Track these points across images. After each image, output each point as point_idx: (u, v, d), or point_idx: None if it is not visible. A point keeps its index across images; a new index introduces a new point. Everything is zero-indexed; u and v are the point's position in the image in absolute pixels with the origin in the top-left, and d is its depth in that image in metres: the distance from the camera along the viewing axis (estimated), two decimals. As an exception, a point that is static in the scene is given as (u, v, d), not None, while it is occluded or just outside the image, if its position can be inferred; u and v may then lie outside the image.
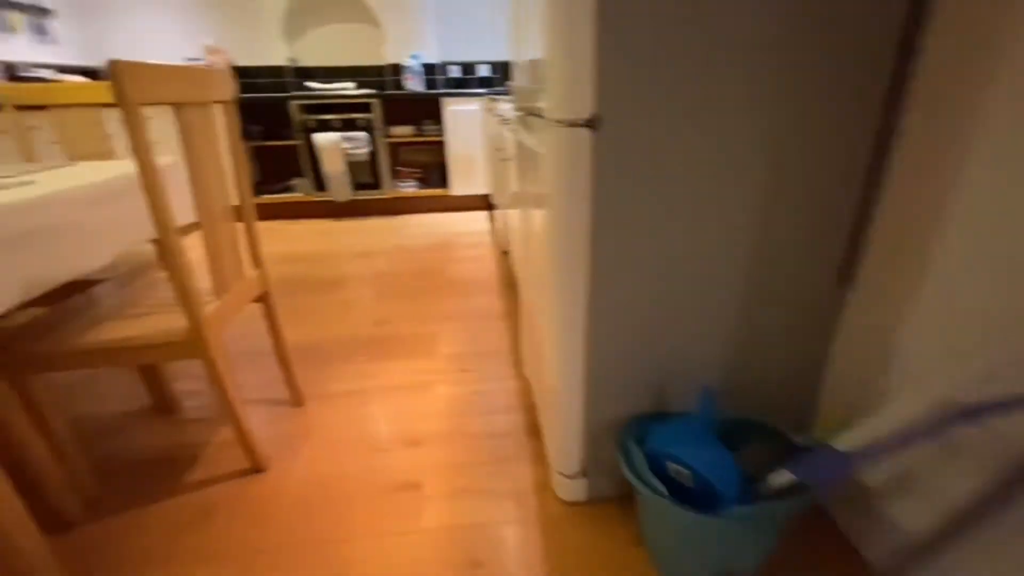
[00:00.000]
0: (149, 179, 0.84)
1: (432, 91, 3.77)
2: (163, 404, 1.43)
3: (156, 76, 0.82)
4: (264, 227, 3.61)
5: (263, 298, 1.35)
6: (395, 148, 4.02)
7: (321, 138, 3.49)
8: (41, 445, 0.97)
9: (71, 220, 0.92)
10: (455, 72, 4.06)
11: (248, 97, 3.45)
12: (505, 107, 2.07)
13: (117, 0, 3.54)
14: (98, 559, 0.98)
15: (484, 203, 4.01)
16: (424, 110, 3.79)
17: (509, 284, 2.38)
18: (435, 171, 3.93)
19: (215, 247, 1.04)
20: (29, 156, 1.54)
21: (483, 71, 4.08)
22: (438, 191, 3.89)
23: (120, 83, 0.75)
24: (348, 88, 3.69)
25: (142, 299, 1.14)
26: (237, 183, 1.22)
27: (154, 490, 1.15)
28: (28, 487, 0.89)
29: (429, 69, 3.85)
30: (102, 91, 1.59)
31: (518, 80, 1.23)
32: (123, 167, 1.18)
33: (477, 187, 3.88)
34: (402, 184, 3.91)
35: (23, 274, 0.80)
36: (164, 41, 3.68)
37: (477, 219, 3.70)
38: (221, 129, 1.10)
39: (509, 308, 2.11)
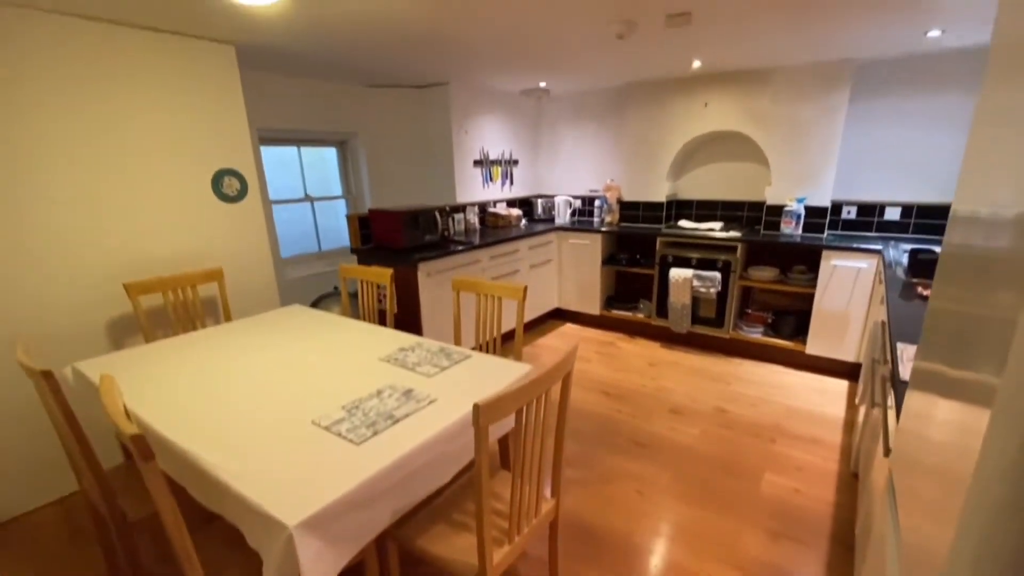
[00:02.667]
0: (478, 467, 1.13)
1: (812, 236, 3.36)
2: None
3: (503, 403, 1.11)
4: (601, 337, 4.07)
5: (552, 527, 1.56)
6: (749, 290, 3.79)
7: (675, 273, 3.66)
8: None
9: (441, 451, 1.33)
10: (849, 213, 3.49)
11: (625, 227, 3.99)
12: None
13: (558, 151, 4.77)
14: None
15: (845, 373, 3.25)
16: (796, 255, 3.42)
17: (844, 542, 1.86)
18: (790, 320, 3.47)
19: (519, 499, 1.29)
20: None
21: (891, 214, 3.35)
22: (788, 344, 3.42)
23: (477, 418, 1.06)
24: (715, 230, 3.73)
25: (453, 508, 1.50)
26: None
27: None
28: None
29: (814, 211, 3.45)
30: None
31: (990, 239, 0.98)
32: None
33: (842, 352, 3.20)
34: (747, 328, 3.63)
35: (395, 506, 1.23)
36: (578, 179, 4.70)
37: (828, 392, 3.04)
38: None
39: (824, 588, 1.66)
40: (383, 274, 2.46)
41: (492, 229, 4.14)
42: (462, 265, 3.31)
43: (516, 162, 4.62)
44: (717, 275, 3.53)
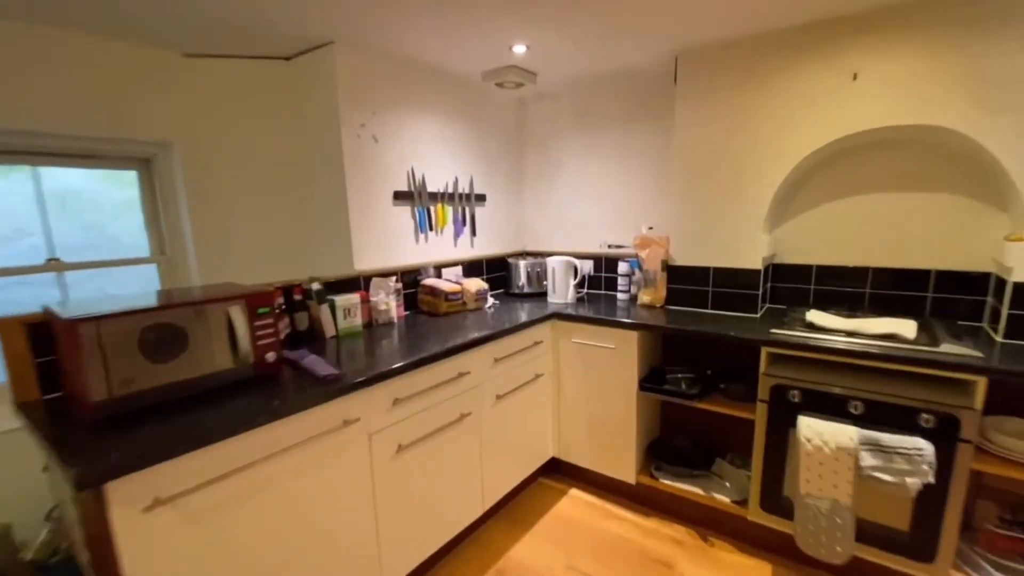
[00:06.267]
0: None
1: None
2: None
3: None
4: (640, 538, 1.96)
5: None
6: (984, 480, 1.71)
7: (812, 430, 1.63)
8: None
9: None
10: None
11: (680, 312, 1.98)
12: None
13: (554, 180, 2.87)
14: None
15: None
16: None
17: None
18: None
19: None
20: None
21: None
22: None
23: None
24: (900, 335, 1.70)
25: None
26: None
27: None
28: None
29: None
30: None
31: None
32: None
33: None
34: (988, 564, 1.55)
35: None
36: (590, 227, 2.77)
37: None
38: None
39: None
40: None
41: (426, 320, 2.16)
42: (283, 450, 1.29)
43: (481, 199, 2.71)
44: (925, 447, 1.49)
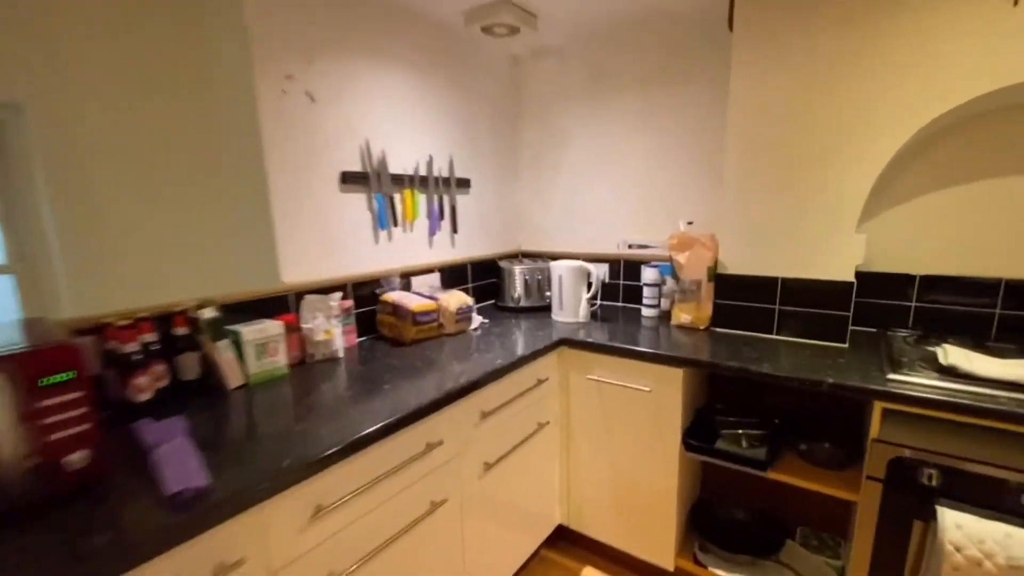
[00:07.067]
0: None
1: None
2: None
3: None
4: None
5: None
6: None
7: (969, 532, 1.07)
8: None
9: None
10: None
11: (735, 338, 1.39)
12: None
13: (559, 162, 2.25)
14: None
15: None
16: None
17: None
18: None
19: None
20: None
21: None
22: None
23: None
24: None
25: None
26: None
27: None
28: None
29: None
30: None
31: None
32: None
33: None
34: None
35: None
36: (609, 221, 2.16)
37: None
38: None
39: None
40: None
41: (387, 352, 1.54)
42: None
43: (464, 184, 2.09)
44: None
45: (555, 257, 2.15)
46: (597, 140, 2.13)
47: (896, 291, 1.62)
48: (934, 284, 1.56)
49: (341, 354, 1.50)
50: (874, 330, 1.64)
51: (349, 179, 1.62)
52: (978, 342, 1.43)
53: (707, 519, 1.74)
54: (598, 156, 2.14)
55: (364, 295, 1.70)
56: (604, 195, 2.15)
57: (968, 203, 1.48)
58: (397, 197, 1.78)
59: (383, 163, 1.71)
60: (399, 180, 1.77)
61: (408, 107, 1.80)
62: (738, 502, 1.78)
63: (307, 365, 1.44)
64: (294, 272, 1.50)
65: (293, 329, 1.42)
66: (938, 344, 1.39)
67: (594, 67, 2.08)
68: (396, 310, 1.62)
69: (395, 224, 1.78)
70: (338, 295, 1.52)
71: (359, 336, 1.67)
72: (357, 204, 1.66)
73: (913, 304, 1.60)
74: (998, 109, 1.39)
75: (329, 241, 1.59)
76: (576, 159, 2.20)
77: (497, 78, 2.21)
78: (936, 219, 1.53)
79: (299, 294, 1.49)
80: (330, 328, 1.46)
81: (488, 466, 1.41)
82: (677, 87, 1.90)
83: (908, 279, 1.59)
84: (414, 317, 1.58)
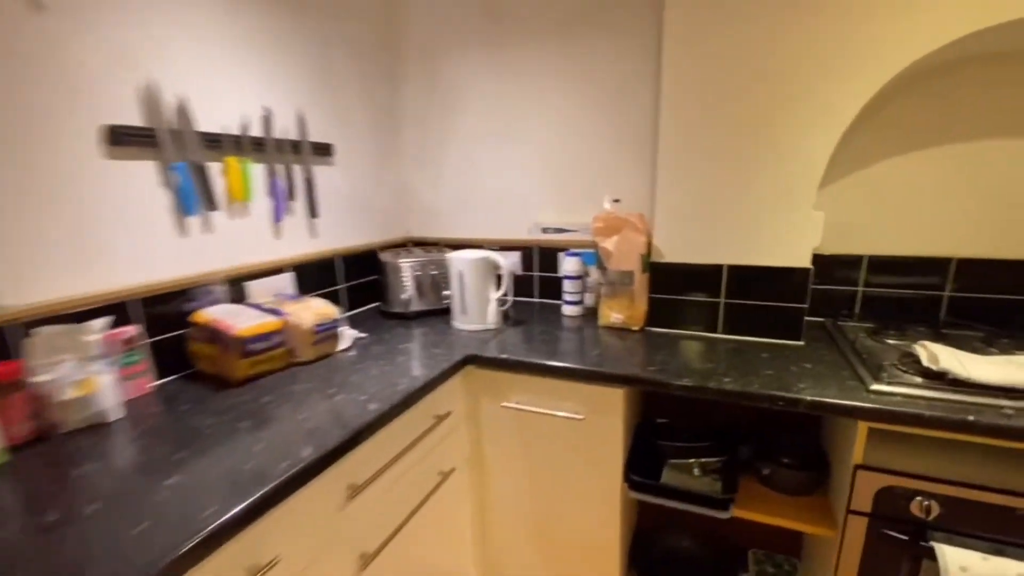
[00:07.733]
0: None
1: None
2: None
3: None
4: None
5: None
6: None
7: (975, 573, 0.85)
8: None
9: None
10: None
11: (677, 338, 1.09)
12: None
13: (454, 122, 1.79)
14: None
15: None
16: None
17: None
18: None
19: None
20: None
21: None
22: None
23: None
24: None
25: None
26: None
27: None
28: None
29: None
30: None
31: None
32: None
33: None
34: None
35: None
36: (518, 196, 1.75)
37: None
38: None
39: None
40: None
41: (203, 400, 1.00)
42: None
43: (324, 150, 1.55)
44: None
45: (454, 246, 1.71)
46: (500, 100, 1.70)
47: (842, 275, 1.42)
48: (883, 266, 1.38)
49: (117, 415, 0.94)
50: (820, 320, 1.44)
51: (124, 138, 1.02)
52: (933, 329, 1.27)
53: (648, 553, 1.46)
54: (501, 120, 1.72)
55: (167, 314, 1.12)
56: (511, 168, 1.74)
57: (921, 172, 1.30)
58: (214, 167, 1.21)
59: (184, 115, 1.13)
60: (215, 142, 1.20)
61: (228, 39, 1.23)
62: (682, 528, 1.52)
63: (51, 441, 0.87)
64: (15, 289, 0.89)
65: (11, 386, 0.83)
66: (901, 338, 1.20)
67: (492, 4, 1.64)
68: (214, 336, 1.08)
69: (212, 207, 1.21)
70: (103, 321, 0.95)
71: (160, 378, 1.11)
72: (143, 176, 1.08)
73: (860, 289, 1.41)
74: (959, 60, 1.20)
75: (89, 235, 0.99)
76: (474, 123, 1.76)
77: (365, 10, 1.68)
78: (886, 191, 1.34)
79: (28, 324, 0.89)
80: (88, 377, 0.90)
81: (367, 558, 0.96)
82: (599, 36, 1.53)
83: (854, 260, 1.40)
84: (242, 346, 1.06)
